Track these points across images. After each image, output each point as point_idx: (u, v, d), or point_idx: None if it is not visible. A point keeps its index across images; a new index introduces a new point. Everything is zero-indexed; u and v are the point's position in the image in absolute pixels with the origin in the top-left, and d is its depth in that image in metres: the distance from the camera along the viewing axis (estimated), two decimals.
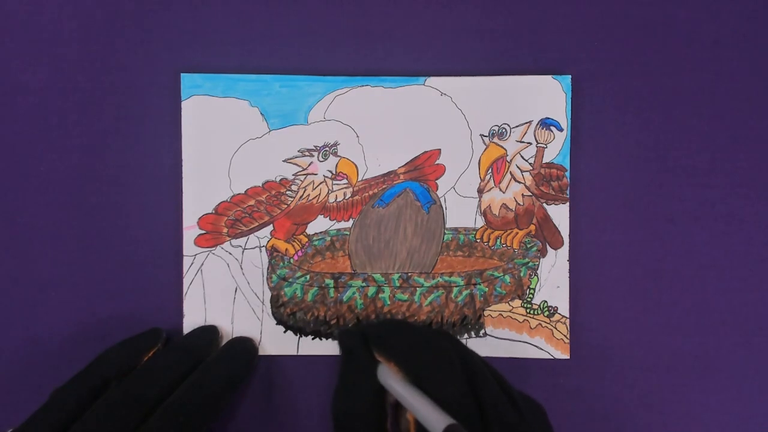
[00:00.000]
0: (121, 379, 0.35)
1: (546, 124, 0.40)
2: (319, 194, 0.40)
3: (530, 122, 0.40)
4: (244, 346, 0.39)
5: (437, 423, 0.28)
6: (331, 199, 0.41)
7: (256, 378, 0.40)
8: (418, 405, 0.29)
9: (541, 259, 0.40)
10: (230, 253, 0.40)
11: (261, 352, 0.40)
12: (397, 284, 0.40)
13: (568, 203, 0.40)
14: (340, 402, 0.32)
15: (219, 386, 0.36)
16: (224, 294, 0.40)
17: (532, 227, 0.41)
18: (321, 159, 0.40)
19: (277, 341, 0.40)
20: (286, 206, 0.40)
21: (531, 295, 0.40)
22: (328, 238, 0.40)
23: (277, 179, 0.40)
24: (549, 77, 0.40)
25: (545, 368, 0.40)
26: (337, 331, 0.38)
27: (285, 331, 0.40)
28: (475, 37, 0.41)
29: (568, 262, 0.40)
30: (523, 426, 0.30)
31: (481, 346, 0.40)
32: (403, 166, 0.41)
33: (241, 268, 0.40)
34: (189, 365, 0.36)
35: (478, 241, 0.41)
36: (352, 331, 0.36)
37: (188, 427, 0.33)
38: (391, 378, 0.31)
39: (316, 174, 0.40)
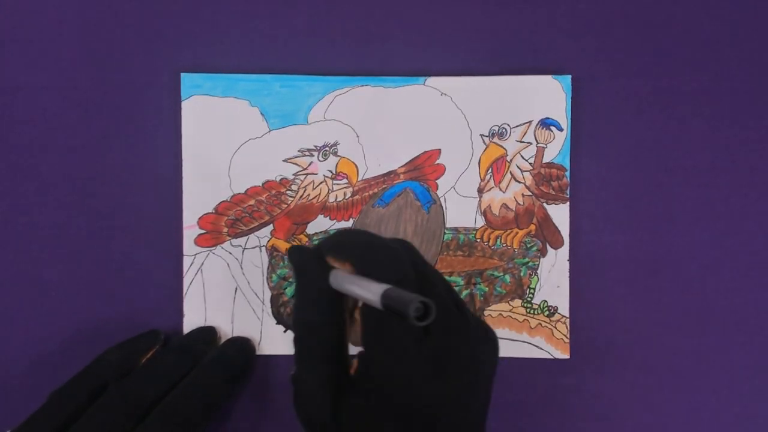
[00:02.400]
0: (120, 381, 0.35)
1: (546, 124, 0.40)
2: (319, 194, 0.40)
3: (530, 122, 0.40)
4: (242, 345, 0.39)
5: (376, 291, 0.26)
6: (331, 198, 0.41)
7: (256, 378, 0.40)
8: (359, 284, 0.28)
9: (541, 259, 0.40)
10: (230, 253, 0.40)
11: (261, 352, 0.40)
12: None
13: (568, 203, 0.40)
14: (299, 314, 0.31)
15: (216, 386, 0.36)
16: (224, 294, 0.40)
17: (532, 227, 0.41)
18: (321, 159, 0.40)
19: (277, 341, 0.40)
20: (286, 206, 0.40)
21: (531, 295, 0.40)
22: None
23: (277, 179, 0.40)
24: (549, 77, 0.40)
25: (545, 368, 0.40)
26: (287, 251, 0.36)
27: (285, 331, 0.40)
28: (475, 37, 0.41)
29: (568, 262, 0.40)
30: (463, 334, 0.29)
31: None
32: (403, 166, 0.41)
33: (241, 268, 0.40)
34: (187, 366, 0.36)
35: (478, 240, 0.41)
36: (301, 246, 0.35)
37: (185, 427, 0.33)
38: (341, 277, 0.30)
39: (316, 174, 0.40)
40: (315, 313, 0.31)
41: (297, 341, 0.31)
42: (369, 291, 0.27)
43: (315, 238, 0.40)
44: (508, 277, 0.40)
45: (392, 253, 0.30)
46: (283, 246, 0.40)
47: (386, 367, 0.28)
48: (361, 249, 0.31)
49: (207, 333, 0.39)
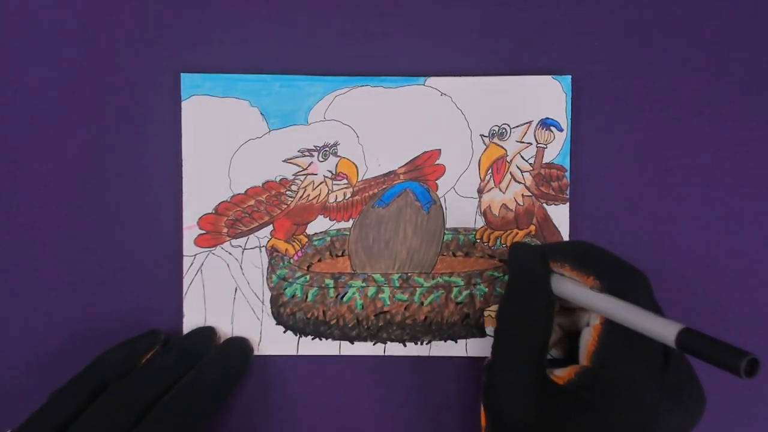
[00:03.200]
0: (119, 380, 0.35)
1: (546, 124, 0.40)
2: (319, 194, 0.40)
3: (530, 122, 0.40)
4: (239, 345, 0.39)
5: (668, 329, 0.27)
6: (331, 199, 0.41)
7: (256, 378, 0.40)
8: (637, 315, 0.29)
9: None
10: (230, 253, 0.40)
11: (261, 352, 0.40)
12: (397, 284, 0.40)
13: (568, 203, 0.40)
14: (510, 306, 0.32)
15: (213, 385, 0.36)
16: (224, 294, 0.40)
17: (532, 227, 0.41)
18: (321, 159, 0.40)
19: (277, 341, 0.40)
20: (286, 206, 0.40)
21: None
22: (328, 239, 0.40)
23: (277, 179, 0.40)
24: (549, 77, 0.40)
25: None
26: (510, 246, 0.36)
27: (285, 331, 0.40)
28: (475, 37, 0.41)
29: None
30: (695, 379, 0.32)
31: (481, 346, 0.40)
32: (403, 166, 0.41)
33: (241, 268, 0.40)
34: (186, 366, 0.36)
35: (478, 241, 0.41)
36: (526, 244, 0.35)
37: (183, 426, 0.33)
38: (585, 292, 0.31)
39: (316, 174, 0.40)
40: (531, 313, 0.31)
41: (501, 333, 0.32)
42: (654, 327, 0.28)
43: (315, 238, 0.40)
44: (508, 278, 0.40)
45: (645, 282, 0.31)
46: (283, 246, 0.40)
47: (624, 389, 0.29)
48: (611, 268, 0.32)
49: (207, 333, 0.39)
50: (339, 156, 0.40)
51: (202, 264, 0.40)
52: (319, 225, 0.41)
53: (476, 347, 0.40)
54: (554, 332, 0.34)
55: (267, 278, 0.40)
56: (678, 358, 0.30)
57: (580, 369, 0.31)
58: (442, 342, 0.40)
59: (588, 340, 0.32)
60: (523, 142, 0.40)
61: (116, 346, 0.37)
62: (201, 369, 0.36)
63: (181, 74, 0.40)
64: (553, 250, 0.33)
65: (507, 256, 0.35)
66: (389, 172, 0.41)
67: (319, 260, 0.41)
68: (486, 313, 0.40)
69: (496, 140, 0.40)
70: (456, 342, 0.40)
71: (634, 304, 0.29)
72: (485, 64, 0.41)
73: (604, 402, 0.29)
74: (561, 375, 0.31)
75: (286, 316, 0.40)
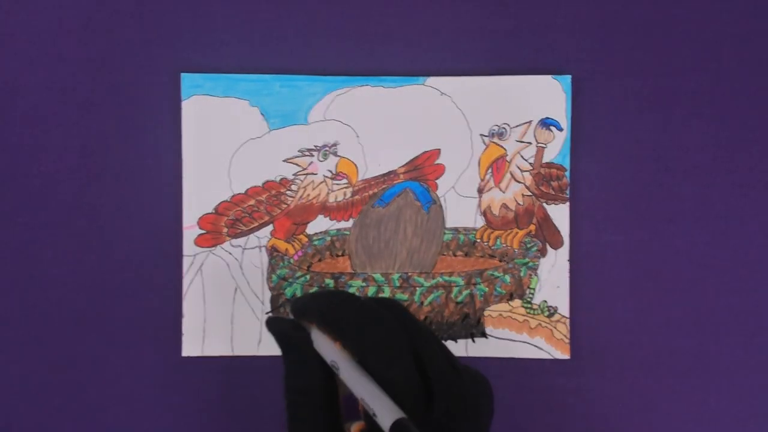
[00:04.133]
0: None
1: (546, 124, 0.40)
2: (319, 194, 0.40)
3: (530, 122, 0.40)
4: None
5: (385, 416, 0.27)
6: (331, 199, 0.41)
7: (256, 378, 0.40)
8: (364, 391, 0.29)
9: (541, 259, 0.40)
10: (230, 253, 0.40)
11: (260, 353, 0.40)
12: (397, 284, 0.40)
13: (568, 203, 0.40)
14: (288, 380, 0.31)
15: None
16: (224, 294, 0.40)
17: (532, 227, 0.41)
18: (321, 159, 0.40)
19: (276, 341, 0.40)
20: (286, 206, 0.40)
21: (531, 295, 0.40)
22: (328, 238, 0.40)
23: (277, 179, 0.40)
24: (549, 77, 0.40)
25: (545, 368, 0.40)
26: (266, 323, 0.35)
27: None
28: (475, 37, 0.41)
29: (568, 262, 0.40)
30: (469, 399, 0.30)
31: (481, 346, 0.40)
32: (403, 166, 0.41)
33: (241, 268, 0.40)
34: None
35: (478, 241, 0.41)
36: (277, 317, 0.34)
37: None
38: (332, 352, 0.31)
39: (316, 174, 0.40)
40: (304, 381, 0.31)
41: (290, 406, 0.31)
42: (377, 409, 0.28)
43: (315, 238, 0.40)
44: (508, 278, 0.40)
45: (387, 336, 0.30)
46: (283, 246, 0.40)
47: None
48: (352, 328, 0.30)
49: None
50: (339, 156, 0.40)
51: (202, 264, 0.40)
52: (319, 225, 0.41)
53: (476, 347, 0.40)
54: None
55: (267, 278, 0.40)
56: (442, 395, 0.29)
57: (362, 427, 0.30)
58: (442, 342, 0.40)
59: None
60: (522, 142, 0.40)
61: None
62: None
63: (181, 74, 0.40)
64: (309, 309, 0.32)
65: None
66: (389, 171, 0.41)
67: (319, 260, 0.41)
68: (486, 313, 0.40)
69: (495, 140, 0.40)
70: (456, 342, 0.40)
71: (372, 364, 0.29)
72: (485, 64, 0.41)
73: None
74: (353, 430, 0.31)
75: (286, 316, 0.40)
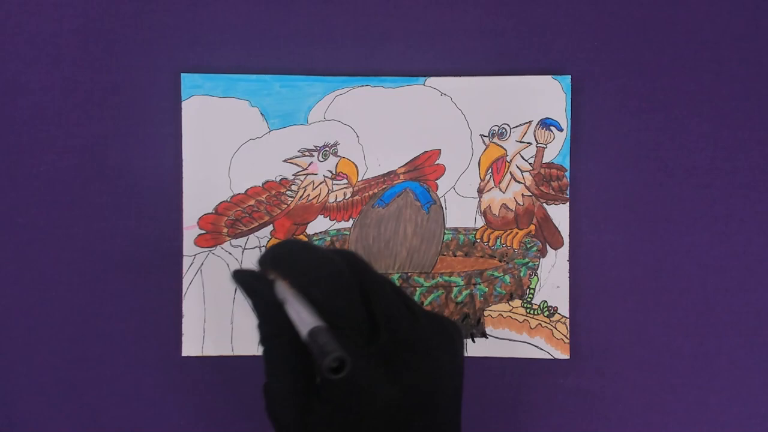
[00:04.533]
0: None
1: (546, 124, 0.40)
2: (319, 194, 0.40)
3: (530, 122, 0.40)
4: None
5: (305, 324, 0.27)
6: (331, 199, 0.41)
7: (256, 378, 0.40)
8: (295, 308, 0.29)
9: (541, 259, 0.40)
10: (230, 253, 0.40)
11: (260, 353, 0.40)
12: (397, 284, 0.40)
13: (568, 203, 0.40)
14: (260, 329, 0.32)
15: None
16: (224, 294, 0.40)
17: (532, 227, 0.41)
18: (321, 159, 0.40)
19: None
20: (286, 206, 0.40)
21: (531, 295, 0.40)
22: (328, 238, 0.40)
23: (277, 179, 0.40)
24: (549, 77, 0.40)
25: (545, 368, 0.40)
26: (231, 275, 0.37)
27: None
28: (475, 37, 0.41)
29: (568, 262, 0.40)
30: (415, 334, 0.29)
31: (481, 346, 0.40)
32: (403, 166, 0.41)
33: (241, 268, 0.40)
34: None
35: (478, 241, 0.41)
36: (242, 269, 0.34)
37: None
38: (283, 296, 0.31)
39: (316, 174, 0.40)
40: (273, 327, 0.31)
41: (264, 354, 0.31)
42: (300, 322, 0.28)
43: (315, 238, 0.40)
44: (508, 278, 0.40)
45: (330, 270, 0.30)
46: None
47: (346, 384, 0.28)
48: (298, 265, 0.31)
49: None
50: (339, 156, 0.40)
51: (202, 264, 0.40)
52: (319, 225, 0.41)
53: (476, 347, 0.40)
54: None
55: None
56: (388, 332, 0.29)
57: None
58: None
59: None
60: (523, 142, 0.40)
61: None
62: None
63: (181, 74, 0.40)
64: (263, 260, 0.33)
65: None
66: (389, 172, 0.41)
67: None
68: (486, 313, 0.40)
69: (496, 140, 0.40)
70: None
71: (314, 297, 0.29)
72: (485, 64, 0.41)
73: (334, 392, 0.28)
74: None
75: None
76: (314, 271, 0.30)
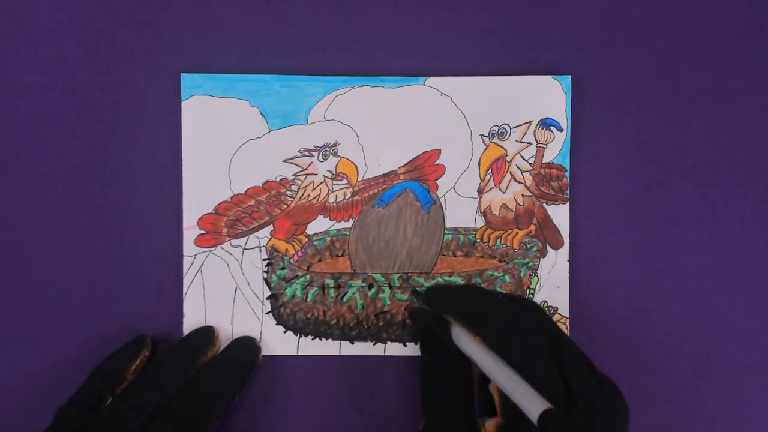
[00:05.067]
0: (115, 392, 0.35)
1: (546, 124, 0.40)
2: (319, 194, 0.40)
3: (530, 122, 0.40)
4: (246, 346, 0.39)
5: (533, 406, 0.28)
6: (331, 199, 0.41)
7: (256, 378, 0.40)
8: (510, 383, 0.29)
9: (541, 259, 0.40)
10: (230, 253, 0.40)
11: (261, 352, 0.40)
12: (397, 284, 0.40)
13: (568, 203, 0.40)
14: (425, 371, 0.33)
15: (218, 390, 0.36)
16: (224, 294, 0.40)
17: (532, 227, 0.41)
18: (321, 159, 0.40)
19: (277, 341, 0.40)
20: (286, 206, 0.40)
21: (531, 295, 0.40)
22: (328, 239, 0.41)
23: (277, 179, 0.40)
24: (549, 77, 0.40)
25: None
26: (407, 311, 0.37)
27: (285, 331, 0.40)
28: (475, 37, 0.41)
29: (568, 262, 0.40)
30: (606, 405, 0.30)
31: None
32: (403, 166, 0.41)
33: (241, 268, 0.40)
34: (184, 370, 0.36)
35: (478, 241, 0.41)
36: (421, 309, 0.36)
37: (190, 430, 0.33)
38: (472, 346, 0.32)
39: (316, 174, 0.40)
40: (445, 373, 0.32)
41: (425, 398, 0.33)
42: (523, 401, 0.28)
43: (315, 238, 0.40)
44: (508, 278, 0.40)
45: (527, 333, 0.31)
46: (283, 246, 0.40)
47: None
48: (491, 322, 0.32)
49: (205, 333, 0.39)
50: (339, 156, 0.40)
51: (202, 264, 0.40)
52: (319, 225, 0.41)
53: None
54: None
55: (267, 278, 0.40)
56: (583, 402, 0.30)
57: (499, 422, 0.32)
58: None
59: (495, 394, 0.33)
60: (523, 142, 0.40)
61: (106, 357, 0.37)
62: (205, 374, 0.36)
63: (181, 74, 0.40)
64: (449, 302, 0.34)
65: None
66: (389, 172, 0.41)
67: (319, 260, 0.41)
68: None
69: (496, 140, 0.40)
70: None
71: (514, 361, 0.30)
72: (485, 64, 0.41)
73: None
74: (488, 428, 0.32)
75: (286, 316, 0.40)
76: (511, 332, 0.31)
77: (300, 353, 0.40)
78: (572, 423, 0.28)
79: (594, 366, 0.32)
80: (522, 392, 0.29)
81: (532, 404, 0.28)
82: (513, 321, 0.32)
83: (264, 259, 0.40)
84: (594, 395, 0.30)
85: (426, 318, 0.34)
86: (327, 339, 0.40)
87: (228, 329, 0.40)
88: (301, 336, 0.40)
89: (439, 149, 0.40)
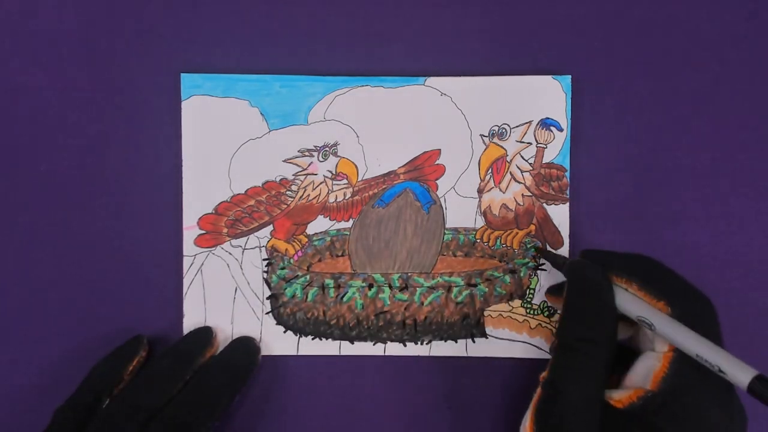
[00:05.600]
0: (113, 393, 0.35)
1: (546, 124, 0.40)
2: (319, 194, 0.40)
3: (530, 122, 0.40)
4: (246, 346, 0.39)
5: (742, 373, 0.29)
6: (331, 199, 0.41)
7: (256, 378, 0.40)
8: (709, 350, 0.30)
9: (542, 260, 0.40)
10: (230, 253, 0.40)
11: (261, 352, 0.40)
12: (397, 284, 0.40)
13: (568, 203, 0.40)
14: (575, 324, 0.32)
15: (217, 391, 0.36)
16: (224, 294, 0.40)
17: (532, 227, 0.41)
18: (321, 159, 0.40)
19: (277, 341, 0.40)
20: (286, 206, 0.40)
21: (531, 295, 0.40)
22: (328, 239, 0.41)
23: (277, 179, 0.40)
24: (549, 77, 0.40)
25: (545, 368, 0.40)
26: (568, 264, 0.36)
27: (285, 331, 0.40)
28: (475, 37, 0.41)
29: None
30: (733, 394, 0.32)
31: (481, 346, 0.40)
32: (403, 166, 0.41)
33: (241, 268, 0.40)
34: (182, 371, 0.36)
35: (478, 241, 0.41)
36: (587, 263, 0.35)
37: (188, 431, 0.33)
38: (653, 312, 0.32)
39: (316, 174, 0.40)
40: (598, 332, 0.32)
41: (566, 352, 0.32)
42: (734, 368, 0.29)
43: (315, 238, 0.40)
44: (508, 278, 0.40)
45: (712, 311, 0.32)
46: (283, 246, 0.40)
47: (698, 417, 0.29)
48: (680, 293, 0.32)
49: (203, 334, 0.39)
50: (339, 156, 0.40)
51: (202, 264, 0.40)
52: (319, 225, 0.41)
53: (476, 347, 0.40)
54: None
55: (267, 278, 0.40)
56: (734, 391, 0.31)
57: (644, 393, 0.30)
58: (442, 342, 0.40)
59: (656, 366, 0.32)
60: (523, 142, 0.40)
61: (103, 358, 0.37)
62: (204, 374, 0.36)
63: (181, 74, 0.40)
64: (618, 265, 0.34)
65: (565, 274, 0.36)
66: (389, 172, 0.41)
67: (319, 260, 0.41)
68: (486, 313, 0.40)
69: (496, 140, 0.40)
70: (456, 342, 0.40)
71: (704, 336, 0.30)
72: (485, 64, 0.41)
73: (676, 428, 0.29)
74: (619, 398, 0.31)
75: (286, 316, 0.40)
76: (701, 306, 0.32)
77: (300, 353, 0.40)
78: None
79: None
80: (728, 360, 0.29)
81: (741, 371, 0.29)
82: (696, 296, 0.32)
83: (264, 259, 0.40)
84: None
85: (593, 273, 0.33)
86: (327, 339, 0.40)
87: (228, 329, 0.40)
88: (301, 336, 0.40)
89: (439, 149, 0.40)
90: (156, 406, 0.34)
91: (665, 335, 0.31)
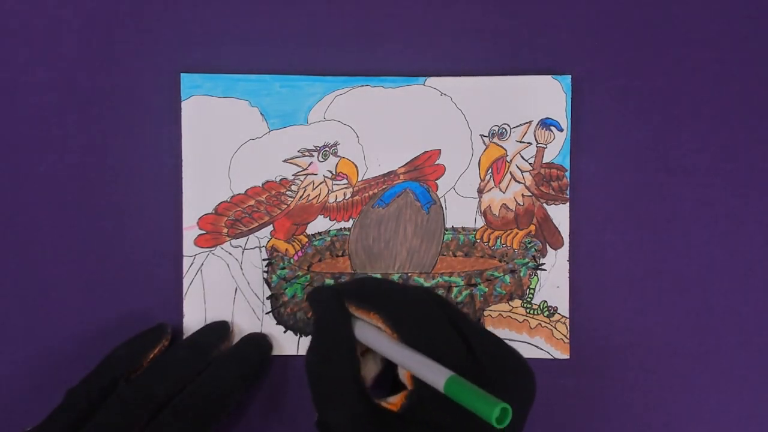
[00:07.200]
0: (129, 378, 0.35)
1: (546, 124, 0.40)
2: (319, 194, 0.40)
3: (530, 122, 0.40)
4: (258, 342, 0.39)
5: (437, 376, 0.29)
6: (331, 199, 0.41)
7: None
8: (413, 363, 0.31)
9: (541, 260, 0.40)
10: (230, 253, 0.40)
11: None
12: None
13: (568, 203, 0.40)
14: (317, 363, 0.33)
15: (230, 384, 0.36)
16: (224, 294, 0.40)
17: (532, 227, 0.41)
18: (321, 159, 0.40)
19: (277, 341, 0.40)
20: (286, 206, 0.40)
21: (531, 295, 0.40)
22: (328, 239, 0.41)
23: (277, 179, 0.40)
24: (549, 77, 0.40)
25: (545, 368, 0.40)
26: (306, 291, 0.38)
27: (285, 331, 0.40)
28: (475, 37, 0.41)
29: (568, 262, 0.40)
30: (514, 358, 0.32)
31: None
32: (403, 166, 0.41)
33: (241, 268, 0.40)
34: (198, 362, 0.36)
35: (478, 241, 0.41)
36: (321, 288, 0.37)
37: (198, 424, 0.34)
38: (374, 335, 0.33)
39: (316, 174, 0.40)
40: (337, 365, 0.33)
41: (316, 386, 0.33)
42: (427, 375, 0.30)
43: (315, 238, 0.40)
44: (508, 278, 0.40)
45: (425, 309, 0.33)
46: (283, 246, 0.40)
47: (443, 404, 0.30)
48: (389, 303, 0.33)
49: (219, 328, 0.39)
50: (339, 156, 0.40)
51: (202, 264, 0.40)
52: (319, 225, 0.41)
53: None
54: (376, 365, 0.36)
55: (267, 278, 0.40)
56: (480, 344, 0.32)
57: (408, 392, 0.32)
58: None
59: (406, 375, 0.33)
60: (523, 142, 0.40)
61: (124, 342, 0.37)
62: (218, 366, 0.36)
63: (181, 74, 0.40)
64: (344, 292, 0.35)
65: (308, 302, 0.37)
66: (389, 172, 0.41)
67: (319, 260, 0.41)
68: (486, 313, 0.40)
69: (496, 140, 0.40)
70: None
71: (416, 339, 0.32)
72: (485, 64, 0.41)
73: (437, 414, 0.30)
74: (393, 402, 0.32)
75: (286, 316, 0.40)
76: (410, 312, 0.33)
77: (300, 353, 0.40)
78: (479, 379, 0.29)
79: (501, 340, 0.34)
80: (426, 367, 0.30)
81: (436, 376, 0.29)
82: (409, 300, 0.33)
83: (264, 259, 0.40)
84: (496, 348, 0.32)
85: (328, 301, 0.35)
86: None
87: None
88: (301, 336, 0.40)
89: (439, 149, 0.40)
90: (169, 395, 0.34)
91: (380, 351, 0.33)
